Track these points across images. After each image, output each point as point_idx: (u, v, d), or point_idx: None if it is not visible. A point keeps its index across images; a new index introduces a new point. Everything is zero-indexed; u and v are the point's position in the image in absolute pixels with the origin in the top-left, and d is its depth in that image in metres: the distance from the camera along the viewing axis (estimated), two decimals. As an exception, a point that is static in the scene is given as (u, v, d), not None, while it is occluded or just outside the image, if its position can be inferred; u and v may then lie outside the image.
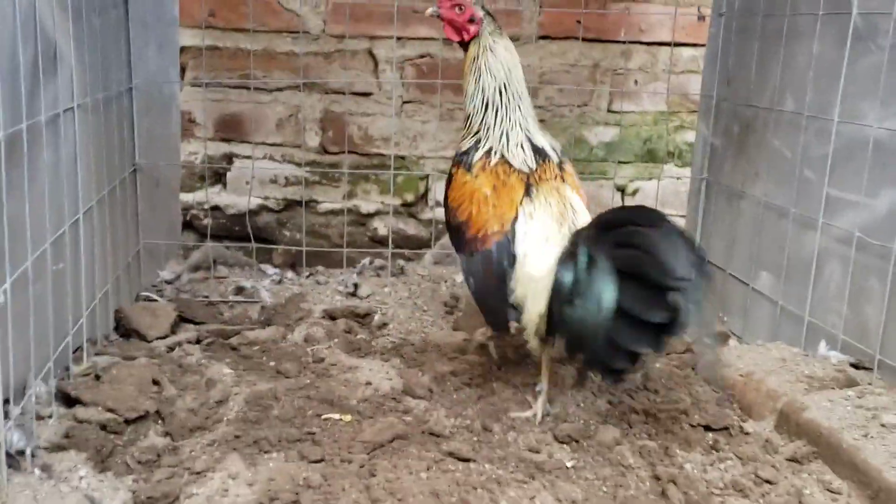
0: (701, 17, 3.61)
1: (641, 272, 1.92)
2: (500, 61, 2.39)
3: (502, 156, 2.37)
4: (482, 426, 2.27)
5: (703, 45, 3.53)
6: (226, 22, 3.49)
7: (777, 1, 2.81)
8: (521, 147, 2.39)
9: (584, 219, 2.31)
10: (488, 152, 2.38)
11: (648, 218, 2.00)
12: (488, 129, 2.39)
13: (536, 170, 2.37)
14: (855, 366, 2.44)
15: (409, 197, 3.71)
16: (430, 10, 2.43)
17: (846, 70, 2.46)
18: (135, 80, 3.08)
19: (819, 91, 2.59)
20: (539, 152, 2.41)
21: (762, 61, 2.90)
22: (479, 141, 2.41)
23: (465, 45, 2.43)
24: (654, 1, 3.60)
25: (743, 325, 2.97)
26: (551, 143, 2.47)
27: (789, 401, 2.26)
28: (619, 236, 2.00)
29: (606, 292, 1.96)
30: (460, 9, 2.39)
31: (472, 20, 2.39)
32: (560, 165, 2.43)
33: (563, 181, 2.39)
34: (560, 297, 2.08)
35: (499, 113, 2.39)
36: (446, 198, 2.45)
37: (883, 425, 2.05)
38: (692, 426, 2.31)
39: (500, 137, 2.38)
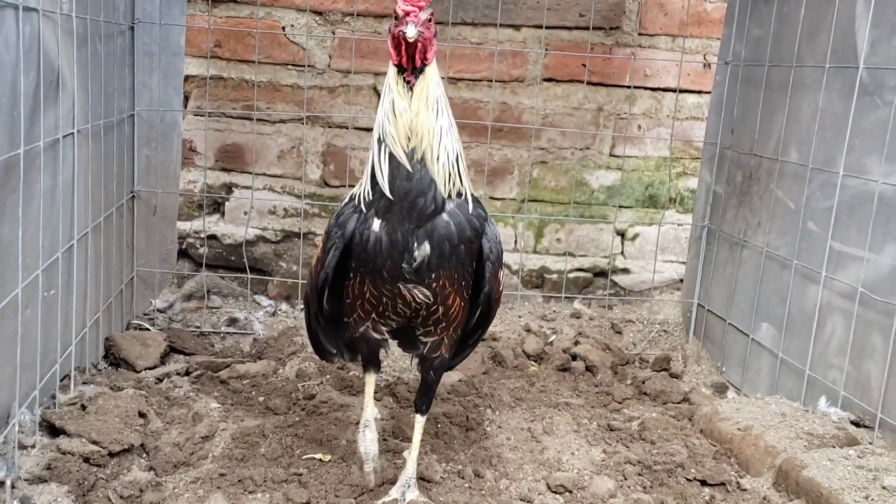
0: (707, 65, 3.61)
1: None
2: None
3: None
4: (474, 472, 2.22)
5: (708, 93, 3.52)
6: (231, 53, 3.49)
7: (783, 52, 2.81)
8: None
9: None
10: None
11: None
12: (463, 179, 1.91)
13: None
14: (856, 423, 2.40)
15: (409, 233, 3.68)
16: (413, 33, 1.77)
17: (851, 124, 2.44)
18: (137, 108, 3.07)
19: (824, 143, 2.58)
20: None
21: (767, 111, 2.89)
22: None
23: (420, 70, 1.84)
24: (660, 47, 3.61)
25: (742, 376, 2.93)
26: None
27: (788, 458, 2.22)
28: None
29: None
30: (430, 23, 1.83)
31: (435, 35, 1.85)
32: None
33: None
34: None
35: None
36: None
37: (884, 488, 2.01)
38: (688, 480, 2.26)
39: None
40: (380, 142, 1.85)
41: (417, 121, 1.82)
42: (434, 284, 1.88)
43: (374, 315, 1.98)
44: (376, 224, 1.86)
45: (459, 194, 1.87)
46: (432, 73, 1.84)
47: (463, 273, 1.91)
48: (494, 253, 1.93)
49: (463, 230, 1.86)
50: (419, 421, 2.12)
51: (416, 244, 1.83)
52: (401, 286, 1.88)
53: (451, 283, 1.90)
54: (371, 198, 1.87)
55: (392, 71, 1.85)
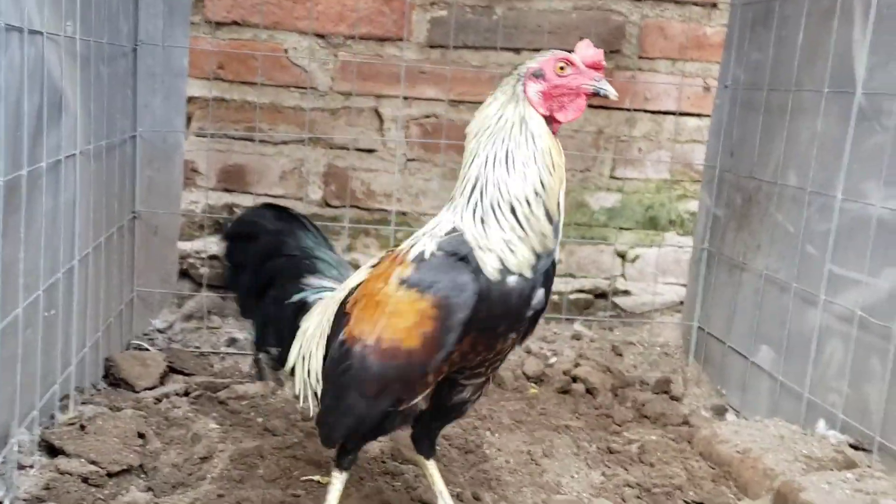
0: (706, 88, 3.63)
1: None
2: None
3: None
4: (473, 496, 2.22)
5: (707, 116, 3.54)
6: (234, 75, 3.51)
7: (782, 76, 2.83)
8: None
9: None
10: None
11: None
12: None
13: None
14: (854, 447, 2.40)
15: (409, 254, 3.69)
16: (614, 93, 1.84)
17: (850, 148, 2.46)
18: (139, 129, 3.10)
19: (822, 167, 2.59)
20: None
21: (766, 135, 2.91)
22: None
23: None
24: (660, 70, 3.63)
25: (741, 399, 2.93)
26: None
27: (786, 481, 2.21)
28: None
29: None
30: None
31: None
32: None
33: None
34: None
35: None
36: None
37: (882, 511, 2.00)
38: (687, 503, 2.26)
39: None
40: (536, 195, 1.73)
41: (562, 172, 1.80)
42: (523, 326, 1.82)
43: (442, 377, 1.82)
44: (512, 279, 1.73)
45: None
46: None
47: None
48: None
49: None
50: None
51: (535, 292, 1.77)
52: (507, 336, 1.79)
53: None
54: (516, 257, 1.73)
55: (540, 120, 1.80)
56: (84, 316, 2.52)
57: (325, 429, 1.89)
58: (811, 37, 2.69)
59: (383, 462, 2.36)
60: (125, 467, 2.18)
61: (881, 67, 2.39)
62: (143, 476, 2.21)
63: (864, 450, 2.38)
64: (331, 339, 1.88)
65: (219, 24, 3.45)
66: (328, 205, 3.66)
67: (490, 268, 1.71)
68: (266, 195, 3.61)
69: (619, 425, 2.77)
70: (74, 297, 2.42)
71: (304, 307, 2.07)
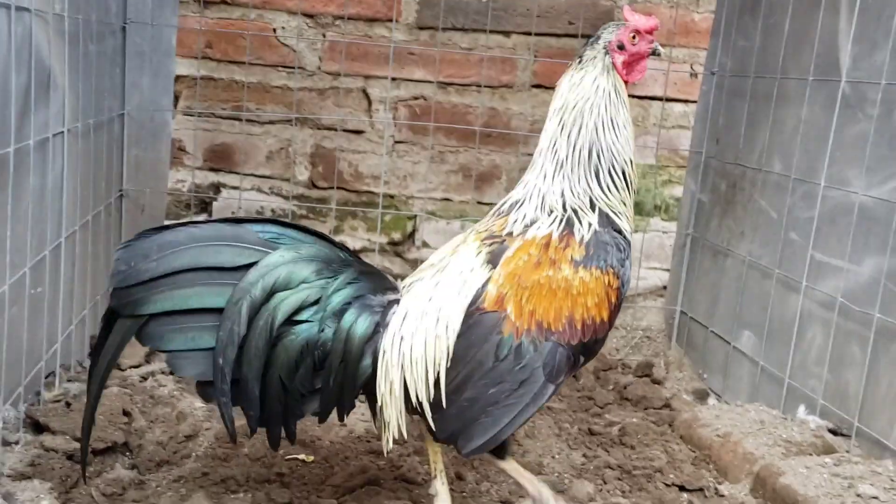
0: (693, 74, 3.64)
1: None
2: None
3: None
4: (456, 474, 2.24)
5: (694, 102, 3.56)
6: (222, 54, 3.50)
7: (768, 64, 2.85)
8: None
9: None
10: None
11: None
12: None
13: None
14: (833, 432, 2.43)
15: (397, 236, 3.71)
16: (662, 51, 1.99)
17: (833, 136, 2.48)
18: (127, 107, 3.09)
19: (806, 155, 2.62)
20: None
21: (752, 122, 2.93)
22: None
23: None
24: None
25: (723, 383, 2.96)
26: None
27: (766, 465, 2.25)
28: None
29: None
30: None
31: None
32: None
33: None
34: None
35: None
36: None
37: (859, 495, 2.04)
38: (667, 485, 2.29)
39: None
40: (629, 163, 1.93)
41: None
42: None
43: None
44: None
45: None
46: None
47: None
48: None
49: None
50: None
51: None
52: None
53: None
54: (630, 216, 1.96)
55: (624, 87, 1.94)
56: (71, 293, 2.52)
57: (488, 432, 1.76)
58: (797, 25, 2.70)
59: (368, 441, 2.38)
60: (110, 445, 2.19)
61: (865, 56, 2.41)
62: (127, 454, 2.23)
63: (842, 435, 2.42)
64: (461, 345, 1.75)
65: (207, 3, 3.43)
66: (315, 186, 3.66)
67: (628, 228, 1.91)
68: (253, 175, 3.61)
69: (601, 408, 2.81)
70: (61, 274, 2.42)
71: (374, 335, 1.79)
